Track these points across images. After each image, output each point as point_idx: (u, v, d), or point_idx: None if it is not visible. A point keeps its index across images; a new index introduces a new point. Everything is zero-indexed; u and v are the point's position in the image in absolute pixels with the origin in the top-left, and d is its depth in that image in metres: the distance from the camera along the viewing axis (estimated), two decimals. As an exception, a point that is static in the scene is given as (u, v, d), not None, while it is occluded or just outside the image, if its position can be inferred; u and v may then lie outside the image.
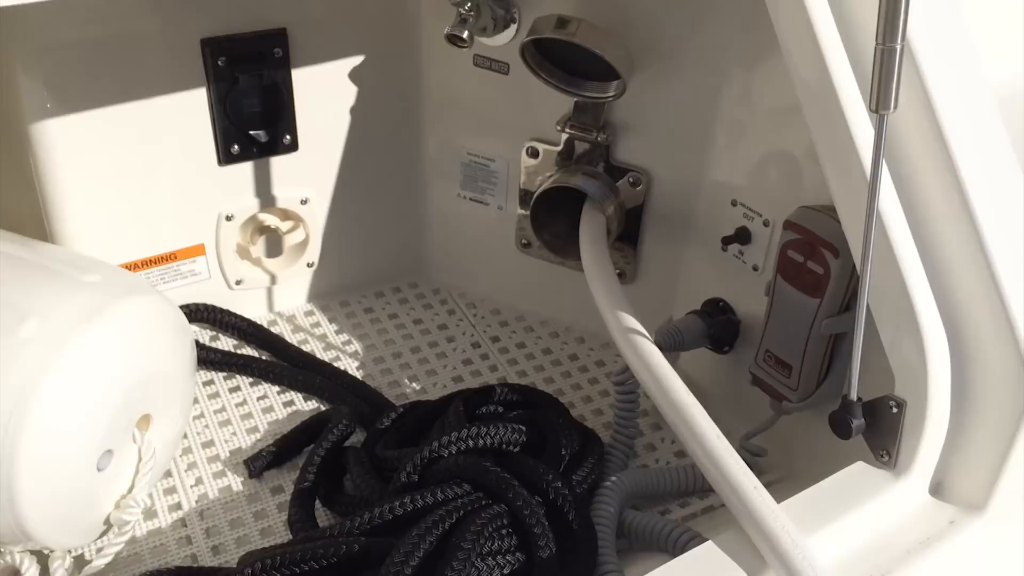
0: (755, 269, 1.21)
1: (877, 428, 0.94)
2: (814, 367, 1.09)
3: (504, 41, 1.27)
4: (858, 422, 0.93)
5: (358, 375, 1.38)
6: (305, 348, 1.42)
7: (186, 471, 1.21)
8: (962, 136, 0.86)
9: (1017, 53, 1.55)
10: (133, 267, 1.34)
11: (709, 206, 1.26)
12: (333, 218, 1.45)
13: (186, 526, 1.14)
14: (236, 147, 1.30)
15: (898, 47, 0.73)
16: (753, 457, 1.19)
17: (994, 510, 0.93)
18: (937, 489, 0.95)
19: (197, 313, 1.40)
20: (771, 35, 0.92)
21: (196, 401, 1.31)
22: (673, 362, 1.16)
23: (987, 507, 0.93)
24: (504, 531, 0.97)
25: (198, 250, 1.37)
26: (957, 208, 0.86)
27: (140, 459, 1.09)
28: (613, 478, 1.11)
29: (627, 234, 1.36)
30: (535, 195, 1.34)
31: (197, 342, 1.37)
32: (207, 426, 1.28)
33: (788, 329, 1.10)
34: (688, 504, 1.17)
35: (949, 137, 0.85)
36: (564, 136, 1.32)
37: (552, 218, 1.37)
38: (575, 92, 1.24)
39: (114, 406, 1.02)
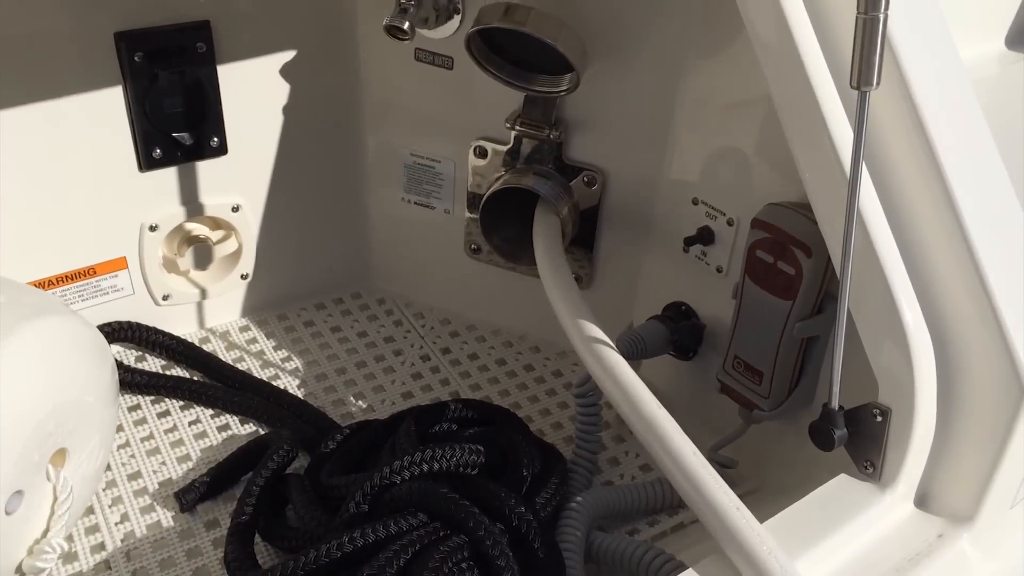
0: (719, 271, 1.15)
1: (860, 438, 0.89)
2: (786, 373, 1.04)
3: (448, 33, 1.20)
4: (840, 432, 0.88)
5: (299, 394, 1.29)
6: (241, 366, 1.33)
7: (110, 507, 1.11)
8: (941, 122, 0.81)
9: (990, 33, 1.54)
10: (45, 284, 1.23)
11: (669, 205, 1.20)
12: (267, 226, 1.36)
13: (111, 568, 1.05)
14: (158, 151, 1.21)
15: (881, 16, 0.68)
16: (723, 469, 1.13)
17: (983, 522, 0.89)
18: (923, 501, 0.91)
19: (120, 332, 1.30)
20: (731, 26, 0.87)
21: (120, 429, 1.22)
22: (635, 371, 1.10)
23: (976, 519, 0.88)
24: (465, 564, 0.90)
25: (119, 264, 1.27)
26: (939, 201, 0.82)
27: (55, 499, 0.99)
28: (578, 498, 1.04)
29: (582, 237, 1.29)
30: (484, 197, 1.27)
31: (121, 364, 1.27)
32: (133, 456, 1.18)
33: (758, 333, 1.04)
34: (657, 522, 1.11)
35: (928, 122, 0.80)
36: (514, 134, 1.25)
37: (503, 221, 1.30)
38: (525, 87, 1.17)
39: (22, 441, 0.92)
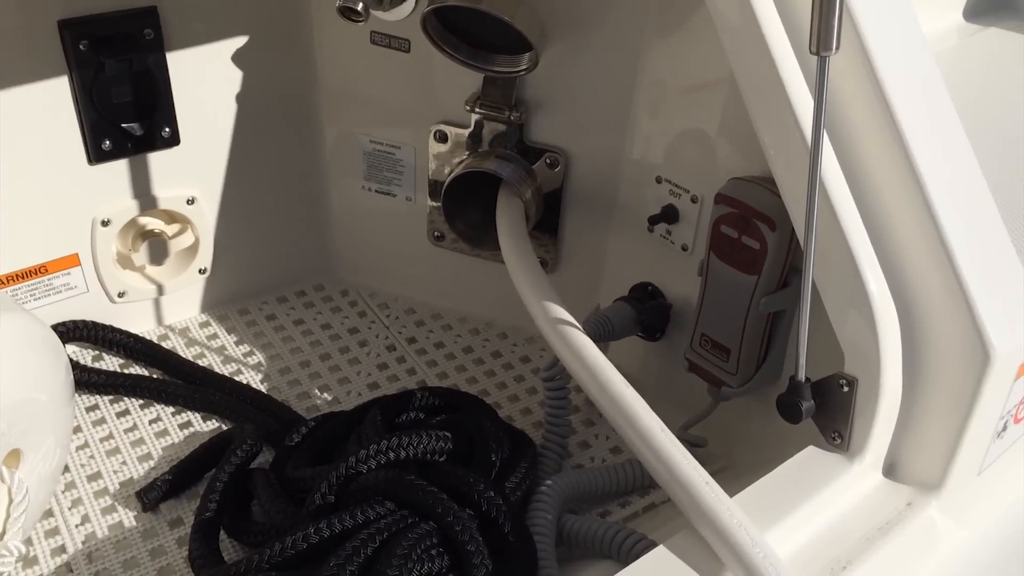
0: (684, 249, 1.14)
1: (828, 409, 0.89)
2: (753, 349, 1.04)
3: (403, 15, 1.17)
4: (808, 404, 0.87)
5: (263, 389, 1.26)
6: (201, 363, 1.30)
7: (70, 509, 1.08)
8: (901, 88, 0.81)
9: (949, 6, 1.55)
10: (-5, 283, 1.19)
11: (632, 185, 1.20)
12: (225, 218, 1.33)
13: (72, 571, 1.02)
14: (107, 143, 1.17)
15: None
16: (693, 448, 1.12)
17: (950, 488, 0.89)
18: (891, 470, 0.91)
19: (75, 331, 1.26)
20: (689, 3, 0.86)
21: (78, 429, 1.18)
22: (603, 353, 1.09)
23: (944, 486, 0.89)
24: (435, 551, 0.88)
25: (71, 261, 1.24)
26: (902, 170, 0.82)
27: (11, 500, 0.95)
28: (548, 482, 1.03)
29: (546, 220, 1.28)
30: (446, 182, 1.26)
31: (77, 363, 1.24)
32: (92, 456, 1.15)
33: (724, 310, 1.04)
34: (629, 503, 1.10)
35: (888, 90, 0.80)
36: (474, 117, 1.23)
37: (465, 207, 1.28)
38: (483, 67, 1.15)
39: (-27, 443, 0.88)
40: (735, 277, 1.01)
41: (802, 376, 0.87)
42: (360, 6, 1.06)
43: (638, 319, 1.18)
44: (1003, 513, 0.98)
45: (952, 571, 0.90)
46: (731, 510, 0.78)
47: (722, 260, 1.02)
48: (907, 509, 0.88)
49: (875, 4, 0.81)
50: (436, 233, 1.37)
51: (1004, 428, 0.93)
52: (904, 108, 0.80)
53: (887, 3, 0.83)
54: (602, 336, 1.14)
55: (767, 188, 0.96)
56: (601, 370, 0.93)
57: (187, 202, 1.28)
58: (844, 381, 0.87)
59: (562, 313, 1.01)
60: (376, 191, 1.38)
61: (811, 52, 0.71)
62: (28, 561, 1.02)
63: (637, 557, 0.80)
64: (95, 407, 1.22)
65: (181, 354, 1.31)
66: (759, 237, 0.97)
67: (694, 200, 1.11)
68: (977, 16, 1.60)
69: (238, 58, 1.23)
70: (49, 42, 1.09)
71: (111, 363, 1.29)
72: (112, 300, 1.29)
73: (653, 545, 0.82)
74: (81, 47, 1.10)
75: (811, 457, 0.89)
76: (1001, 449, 0.95)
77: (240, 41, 1.22)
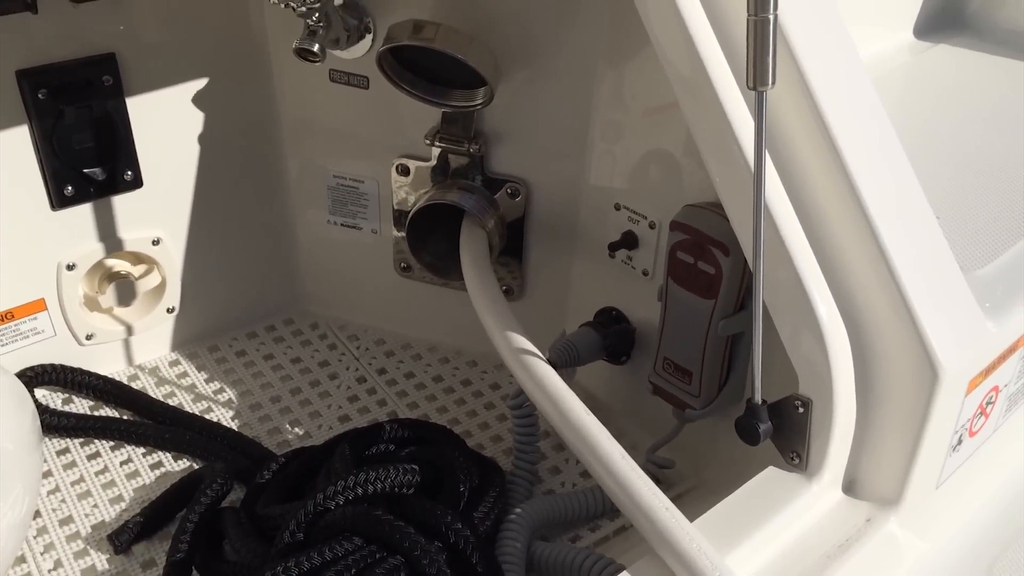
0: (645, 274, 1.16)
1: (785, 430, 0.90)
2: (714, 371, 1.05)
3: (360, 53, 1.19)
4: (765, 426, 0.89)
5: (233, 426, 1.27)
6: (172, 402, 1.30)
7: (42, 555, 1.08)
8: (841, 116, 0.83)
9: (900, 25, 1.58)
10: (-38, 332, 1.19)
11: (592, 212, 1.21)
12: (191, 257, 1.34)
13: (44, 619, 1.01)
14: (70, 188, 1.18)
15: (771, 17, 0.69)
16: (661, 470, 1.14)
17: (909, 502, 0.91)
18: (850, 487, 0.92)
19: (43, 376, 1.26)
20: (640, 32, 0.88)
21: (49, 473, 1.18)
22: (570, 378, 1.11)
23: (902, 501, 0.90)
24: (402, 585, 0.88)
25: (38, 306, 1.24)
26: (844, 194, 0.84)
27: (-21, 551, 0.95)
28: (518, 510, 1.04)
29: (511, 248, 1.30)
30: (410, 215, 1.27)
31: (46, 408, 1.24)
32: (64, 501, 1.15)
33: (684, 334, 1.05)
34: (599, 527, 1.11)
35: (828, 118, 0.82)
36: (435, 150, 1.25)
37: (430, 238, 1.30)
38: (441, 102, 1.17)
39: (-62, 496, 0.88)
40: (693, 302, 1.02)
41: (758, 398, 0.88)
42: (316, 47, 1.08)
43: (603, 344, 1.19)
44: (962, 525, 1.00)
45: (913, 584, 0.92)
46: (691, 535, 0.79)
47: (680, 285, 1.04)
48: (867, 525, 0.90)
49: (811, 36, 0.83)
50: (403, 264, 1.38)
51: (959, 442, 0.95)
52: (844, 135, 0.82)
53: (824, 33, 0.85)
54: (568, 361, 1.15)
55: (719, 214, 0.97)
56: (562, 399, 0.94)
57: (152, 243, 1.29)
58: (799, 402, 0.88)
59: (524, 343, 1.02)
60: (342, 224, 1.39)
61: (748, 87, 0.73)
62: (0, 610, 1.02)
63: (605, 583, 0.81)
64: (65, 450, 1.22)
65: (151, 394, 1.31)
66: (714, 262, 0.99)
67: (652, 226, 1.13)
68: (927, 33, 1.64)
69: (198, 99, 1.24)
70: (8, 92, 1.10)
71: (81, 406, 1.29)
72: (80, 343, 1.30)
73: (620, 569, 0.83)
74: (40, 96, 1.11)
75: (770, 477, 0.91)
76: (957, 463, 0.97)
77: (200, 83, 1.23)
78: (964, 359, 0.86)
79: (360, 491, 0.97)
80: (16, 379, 1.02)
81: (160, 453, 1.22)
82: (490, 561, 0.93)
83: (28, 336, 1.25)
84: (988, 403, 0.96)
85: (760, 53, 0.71)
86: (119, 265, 1.28)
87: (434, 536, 0.93)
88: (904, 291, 0.83)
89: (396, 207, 1.33)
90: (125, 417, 1.27)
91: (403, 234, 1.32)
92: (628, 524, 1.11)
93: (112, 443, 1.23)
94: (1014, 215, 1.10)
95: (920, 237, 0.87)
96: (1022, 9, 1.63)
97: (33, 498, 1.06)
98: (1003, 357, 0.93)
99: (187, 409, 1.29)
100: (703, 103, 0.84)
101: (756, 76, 0.72)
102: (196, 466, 1.20)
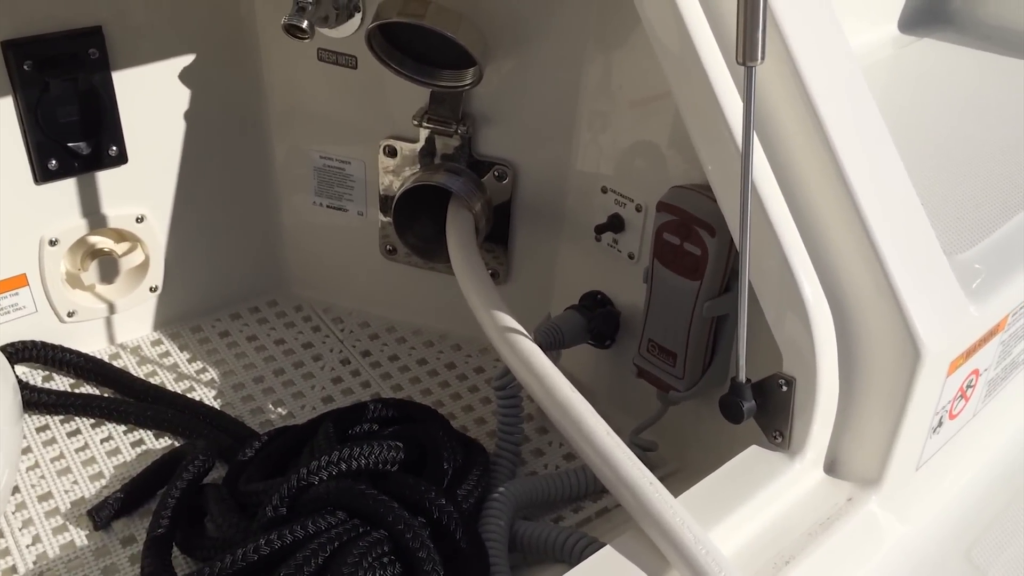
0: (631, 257, 1.16)
1: (768, 408, 0.91)
2: (699, 353, 1.06)
3: (349, 32, 1.19)
4: (749, 404, 0.89)
5: (216, 405, 1.26)
6: (154, 381, 1.29)
7: (20, 529, 1.08)
8: (827, 95, 0.84)
9: (884, 18, 1.59)
10: (-59, 305, 1.18)
11: (579, 195, 1.22)
12: (175, 236, 1.33)
13: (22, 593, 1.00)
14: (54, 162, 1.17)
15: None
16: (644, 452, 1.15)
17: (889, 483, 0.92)
18: (832, 467, 0.93)
19: (24, 352, 1.25)
20: (628, 17, 0.88)
21: (28, 450, 1.17)
22: (555, 361, 1.10)
23: (882, 481, 0.91)
24: (386, 559, 0.89)
25: (19, 281, 1.23)
26: (830, 174, 0.84)
27: (-43, 523, 0.94)
28: (501, 489, 1.04)
29: (497, 233, 1.30)
30: (396, 196, 1.27)
31: (26, 384, 1.23)
32: (43, 477, 1.14)
33: (669, 316, 1.06)
34: (581, 508, 1.11)
35: (814, 96, 0.83)
36: (423, 132, 1.25)
37: (416, 220, 1.30)
38: (429, 82, 1.17)
39: (-83, 465, 0.87)
40: (679, 283, 1.03)
41: (743, 377, 0.89)
42: (305, 24, 1.08)
43: (588, 327, 1.20)
44: (942, 508, 1.01)
45: (893, 564, 0.92)
46: (674, 509, 0.80)
47: (666, 266, 1.04)
48: (848, 504, 0.91)
49: (800, 15, 0.83)
50: (388, 247, 1.38)
51: (939, 424, 0.96)
52: (830, 114, 0.83)
53: (811, 14, 0.85)
54: (552, 344, 1.15)
55: (706, 195, 0.98)
56: (548, 375, 0.94)
57: (136, 220, 1.28)
58: (783, 381, 0.89)
59: (510, 322, 1.02)
60: (327, 206, 1.39)
61: (737, 63, 0.73)
62: (-23, 584, 1.01)
63: (589, 560, 0.81)
64: (45, 427, 1.21)
65: (133, 372, 1.30)
66: (700, 243, 0.99)
67: (639, 209, 1.13)
68: (911, 27, 1.65)
69: (185, 76, 1.24)
70: (-7, 63, 1.09)
71: (62, 383, 1.28)
72: (62, 320, 1.29)
73: (603, 546, 0.83)
74: (25, 67, 1.10)
75: (753, 456, 0.91)
76: (937, 445, 0.98)
77: (187, 59, 1.23)
78: (946, 340, 0.87)
79: (344, 466, 0.97)
80: (-3, 352, 1.01)
81: (141, 431, 1.21)
82: (473, 537, 0.93)
83: (8, 312, 1.24)
84: (968, 386, 0.97)
85: (750, 28, 0.72)
86: (102, 242, 1.27)
87: (418, 512, 0.93)
88: (888, 270, 0.83)
89: (382, 189, 1.33)
90: (106, 395, 1.26)
91: (389, 218, 1.31)
92: (610, 506, 1.12)
93: (93, 420, 1.22)
94: (995, 203, 1.11)
95: (904, 218, 0.88)
96: (1005, 5, 1.65)
97: (12, 472, 1.06)
98: (983, 340, 0.94)
99: (169, 388, 1.28)
100: (692, 81, 0.84)
101: (746, 51, 0.73)
102: (177, 444, 1.20)
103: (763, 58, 0.73)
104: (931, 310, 0.86)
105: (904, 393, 0.86)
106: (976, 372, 0.97)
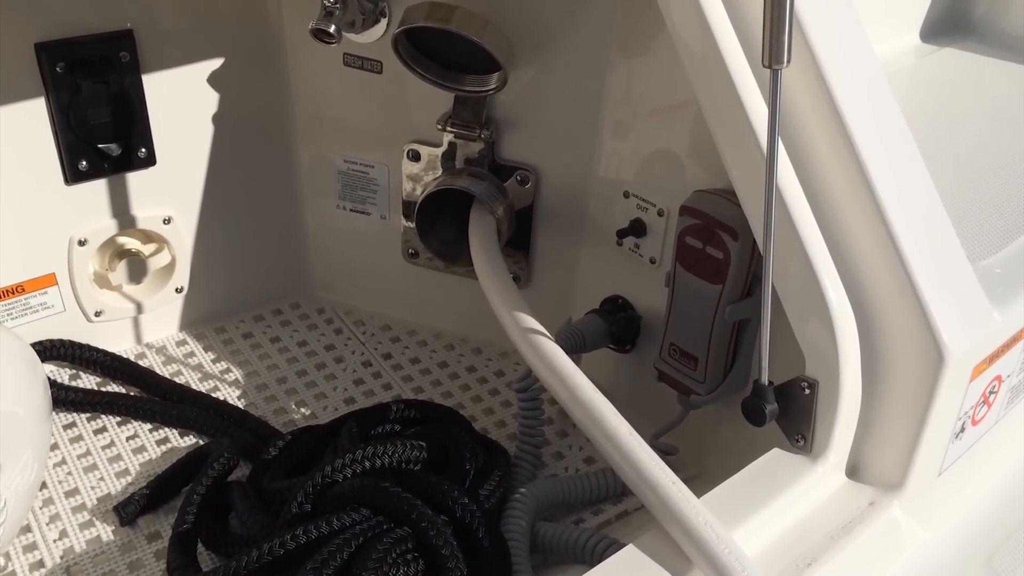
0: (652, 262, 1.17)
1: (790, 411, 0.91)
2: (720, 356, 1.06)
3: (375, 37, 1.21)
4: (771, 407, 0.90)
5: (240, 405, 1.28)
6: (179, 380, 1.31)
7: (48, 524, 1.09)
8: (852, 100, 0.84)
9: (906, 28, 1.60)
10: (-29, 303, 1.20)
11: (601, 200, 1.22)
12: (201, 238, 1.35)
13: (49, 587, 1.02)
14: (84, 163, 1.19)
15: None
16: (665, 456, 1.14)
17: (911, 488, 0.92)
18: (854, 471, 0.93)
19: (52, 350, 1.27)
20: (654, 20, 0.89)
21: (56, 447, 1.19)
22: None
23: (904, 485, 0.91)
24: (410, 555, 0.90)
25: (48, 280, 1.25)
26: (855, 179, 0.85)
27: (-12, 515, 0.96)
28: (522, 490, 1.05)
29: (518, 236, 1.31)
30: (419, 200, 1.28)
31: (54, 382, 1.25)
32: (70, 473, 1.16)
33: (691, 319, 1.06)
34: (602, 511, 1.12)
35: (839, 101, 0.83)
36: (446, 136, 1.26)
37: (439, 224, 1.31)
38: (454, 86, 1.18)
39: (-50, 457, 0.89)
40: (701, 287, 1.03)
41: (765, 379, 0.89)
42: (332, 28, 1.09)
43: (609, 331, 1.20)
44: (963, 514, 1.01)
45: (914, 569, 0.92)
46: (697, 509, 0.80)
47: (688, 270, 1.05)
48: (869, 509, 0.91)
49: (825, 19, 0.84)
50: (411, 250, 1.39)
51: (962, 430, 0.95)
52: (855, 117, 0.83)
53: (836, 18, 0.86)
54: (573, 348, 1.16)
55: (729, 199, 0.99)
56: (570, 376, 0.95)
57: (164, 222, 1.30)
58: (806, 384, 0.89)
59: (533, 324, 1.03)
60: (351, 210, 1.40)
61: (764, 65, 0.74)
62: (5, 575, 1.03)
63: (611, 561, 0.82)
64: (72, 424, 1.23)
65: (159, 372, 1.32)
66: (722, 247, 1.00)
67: (660, 213, 1.14)
68: (933, 37, 1.66)
69: (213, 80, 1.25)
70: (26, 64, 1.11)
71: (88, 381, 1.29)
72: (89, 319, 1.30)
73: (624, 545, 0.84)
74: (58, 69, 1.12)
75: (776, 459, 0.91)
76: (960, 451, 0.98)
77: (215, 63, 1.25)
78: (969, 344, 0.87)
79: (367, 464, 0.98)
80: (30, 348, 1.03)
81: (166, 429, 1.23)
82: (496, 536, 0.94)
83: (37, 310, 1.26)
84: (991, 392, 0.97)
85: (776, 30, 0.72)
86: (130, 243, 1.29)
87: (440, 510, 0.93)
88: (912, 275, 0.84)
89: (405, 193, 1.34)
90: (132, 394, 1.27)
91: (411, 221, 1.33)
92: (631, 508, 1.12)
93: (119, 418, 1.24)
94: (1018, 209, 1.11)
95: (928, 223, 0.88)
96: (1027, 14, 1.66)
97: (41, 466, 1.07)
98: (1007, 346, 0.94)
99: (194, 388, 1.30)
100: (717, 83, 0.85)
101: (772, 54, 0.73)
102: (202, 442, 1.21)
103: (789, 61, 0.74)
104: (954, 314, 0.86)
105: (927, 397, 0.87)
106: (999, 378, 0.97)
